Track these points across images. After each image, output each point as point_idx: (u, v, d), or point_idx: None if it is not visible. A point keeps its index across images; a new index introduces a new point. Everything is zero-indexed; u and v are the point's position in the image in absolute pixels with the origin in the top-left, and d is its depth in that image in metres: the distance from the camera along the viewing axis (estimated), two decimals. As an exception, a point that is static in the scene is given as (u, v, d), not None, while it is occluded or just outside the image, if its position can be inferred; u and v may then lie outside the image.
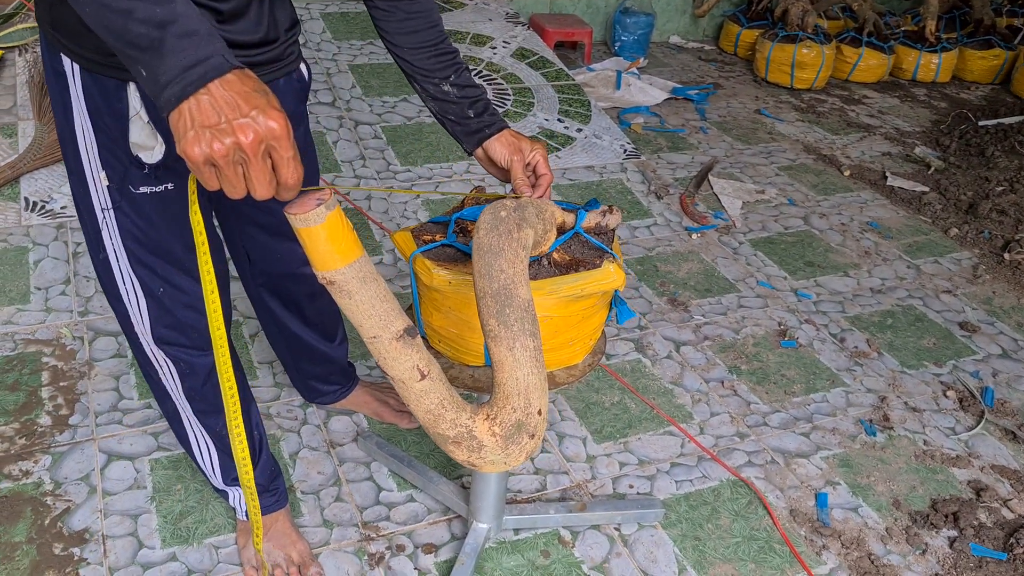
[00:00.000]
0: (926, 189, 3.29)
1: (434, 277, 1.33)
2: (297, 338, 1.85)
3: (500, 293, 1.11)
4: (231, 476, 1.68)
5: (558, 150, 3.24)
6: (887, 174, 3.38)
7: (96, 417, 1.96)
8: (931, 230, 3.06)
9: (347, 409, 2.05)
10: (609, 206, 1.51)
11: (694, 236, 2.86)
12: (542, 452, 1.99)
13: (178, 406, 1.59)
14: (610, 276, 1.35)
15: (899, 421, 2.19)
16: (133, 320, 1.46)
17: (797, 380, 2.29)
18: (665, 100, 3.89)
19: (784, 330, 2.47)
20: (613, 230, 1.51)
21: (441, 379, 1.11)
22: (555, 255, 1.39)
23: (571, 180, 3.08)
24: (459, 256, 1.40)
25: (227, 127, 0.85)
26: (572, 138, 3.32)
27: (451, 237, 1.42)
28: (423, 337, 1.50)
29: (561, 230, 1.44)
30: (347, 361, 1.99)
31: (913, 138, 3.82)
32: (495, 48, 3.78)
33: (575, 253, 1.42)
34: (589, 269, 1.36)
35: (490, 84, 3.53)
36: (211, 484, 1.71)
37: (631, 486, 1.94)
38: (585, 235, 1.45)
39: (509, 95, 3.49)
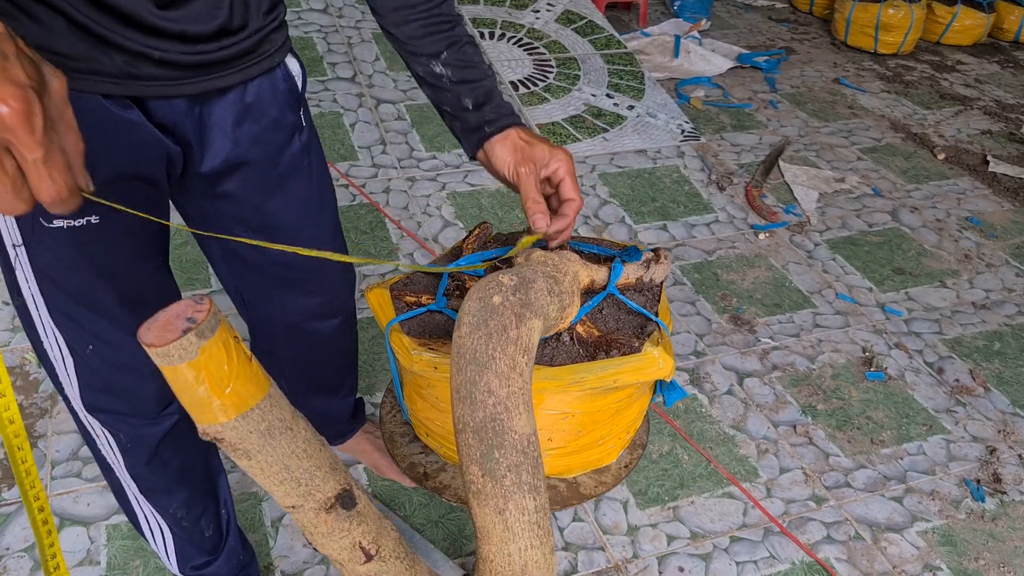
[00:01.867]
0: (1036, 176, 2.82)
1: (414, 361, 0.99)
2: (295, 384, 1.53)
3: (486, 428, 0.76)
4: (191, 564, 1.38)
5: (606, 131, 2.84)
6: (988, 157, 2.92)
7: (52, 468, 1.67)
8: (1043, 227, 2.61)
9: (343, 455, 1.73)
10: (655, 251, 1.14)
11: (761, 236, 2.46)
12: (573, 520, 1.65)
13: (122, 482, 1.29)
14: (653, 364, 0.99)
15: (1013, 481, 1.79)
16: (60, 380, 1.14)
17: (887, 425, 1.91)
18: (729, 69, 3.45)
19: (870, 357, 2.07)
20: (660, 284, 1.14)
21: (397, 556, 0.77)
22: (579, 328, 1.03)
23: (620, 167, 2.69)
24: (451, 327, 1.05)
25: None
26: (622, 117, 2.92)
27: (441, 301, 1.06)
28: (408, 423, 1.16)
29: (590, 291, 1.08)
30: (353, 402, 1.67)
31: (1018, 112, 3.33)
32: (538, 12, 3.38)
33: (607, 324, 1.06)
34: (625, 352, 1.00)
35: (531, 54, 3.13)
36: (168, 570, 1.42)
37: (681, 569, 1.59)
38: (621, 296, 1.08)
39: (552, 67, 3.09)
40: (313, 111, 2.78)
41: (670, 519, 1.67)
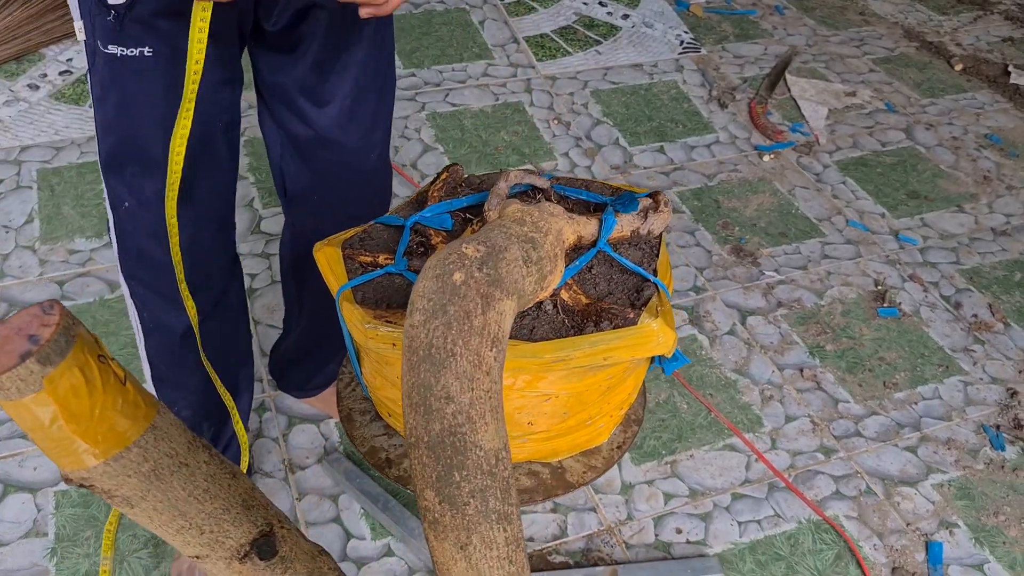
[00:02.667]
0: (1061, 88, 2.63)
1: (368, 336, 0.83)
2: (313, 328, 1.45)
3: (443, 443, 0.61)
4: None
5: (599, 44, 2.63)
6: (1010, 68, 2.71)
7: (-5, 428, 1.54)
8: (1068, 144, 2.43)
9: (318, 411, 1.60)
10: (653, 196, 0.97)
11: (766, 158, 2.28)
12: (563, 479, 1.53)
13: (141, 362, 1.26)
14: (651, 339, 0.84)
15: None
16: (111, 238, 1.14)
17: (900, 366, 1.77)
18: (732, -29, 3.20)
19: (883, 291, 1.92)
20: (659, 236, 0.98)
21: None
22: (564, 294, 0.87)
23: (614, 84, 2.49)
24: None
25: None
26: (616, 27, 2.69)
27: (401, 262, 0.90)
28: (368, 400, 1.01)
29: (577, 248, 0.91)
30: None
31: (1040, 17, 3.10)
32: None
33: (598, 287, 0.90)
34: (618, 325, 0.84)
35: (517, -43, 2.88)
36: None
37: (679, 530, 1.47)
38: (613, 254, 0.92)
39: (540, -29, 2.85)
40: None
41: (667, 475, 1.55)
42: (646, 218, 0.95)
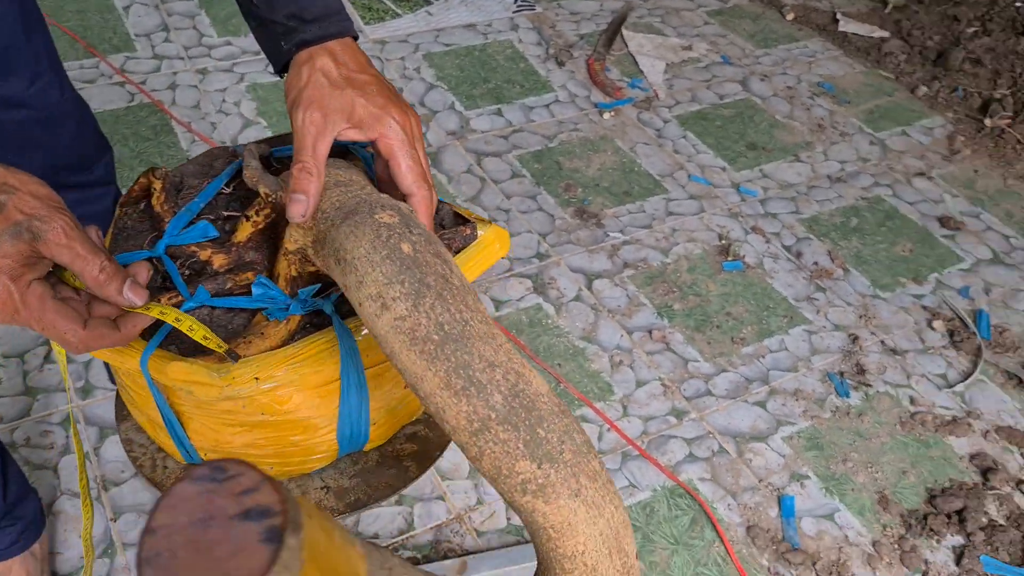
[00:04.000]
0: (885, 34, 2.68)
1: (236, 382, 0.70)
2: None
3: (515, 409, 0.59)
4: None
5: (429, 4, 2.50)
6: (837, 16, 2.76)
7: None
8: (895, 89, 2.48)
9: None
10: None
11: (607, 115, 2.23)
12: (407, 470, 1.43)
13: None
14: (493, 245, 0.78)
15: (877, 371, 1.68)
16: None
17: (747, 320, 1.75)
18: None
19: (727, 245, 1.90)
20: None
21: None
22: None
23: (447, 45, 2.38)
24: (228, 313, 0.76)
25: None
26: (448, -14, 2.58)
27: (201, 294, 0.75)
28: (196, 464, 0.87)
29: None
30: None
31: (863, -35, 3.17)
32: None
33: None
34: (460, 247, 0.78)
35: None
36: None
37: (532, 511, 1.40)
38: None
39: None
40: (76, -7, 2.32)
41: (517, 454, 1.47)
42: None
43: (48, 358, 1.52)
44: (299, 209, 0.68)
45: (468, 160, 2.02)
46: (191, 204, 0.80)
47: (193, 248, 0.78)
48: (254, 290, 0.74)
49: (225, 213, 0.81)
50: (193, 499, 0.34)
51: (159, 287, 0.76)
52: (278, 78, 2.13)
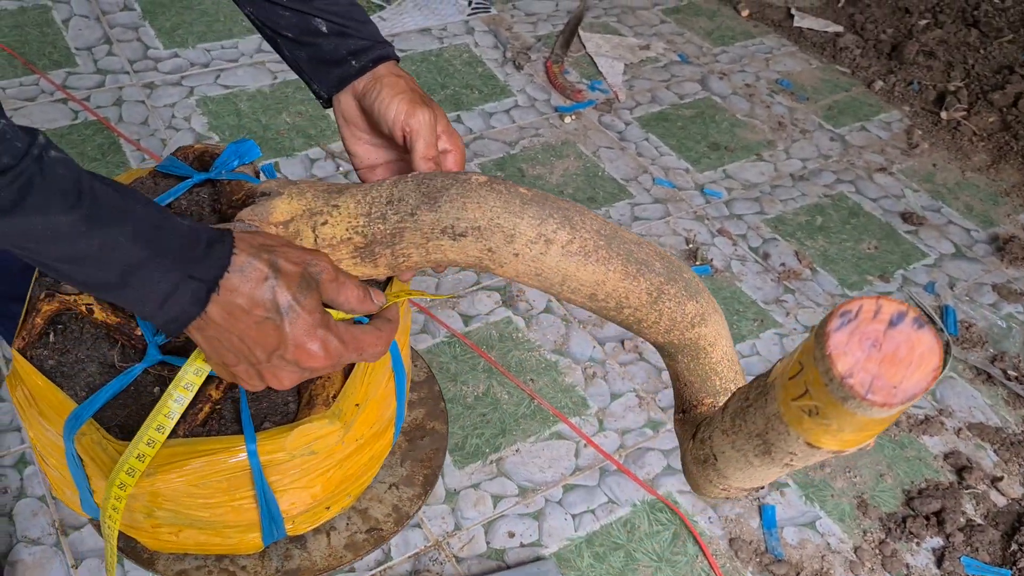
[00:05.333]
0: (840, 28, 2.69)
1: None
2: None
3: (663, 263, 0.71)
4: None
5: (382, 8, 2.45)
6: (792, 11, 2.76)
7: None
8: (852, 84, 2.49)
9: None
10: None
11: (567, 119, 2.20)
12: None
13: None
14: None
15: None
16: None
17: (717, 326, 1.73)
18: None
19: (694, 249, 1.89)
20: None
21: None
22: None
23: (402, 51, 2.33)
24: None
25: (252, 372, 0.63)
26: (400, -10, 2.52)
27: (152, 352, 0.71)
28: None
29: None
30: None
31: (814, -41, 3.18)
32: None
33: None
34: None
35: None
36: None
37: (511, 534, 1.37)
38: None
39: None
40: (12, 5, 2.23)
41: (494, 475, 1.44)
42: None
43: (-2, 395, 1.45)
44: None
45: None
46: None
47: (184, 336, 0.74)
48: None
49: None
50: (851, 339, 0.47)
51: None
52: (226, 89, 2.08)
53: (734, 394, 0.64)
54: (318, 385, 0.70)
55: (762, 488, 0.78)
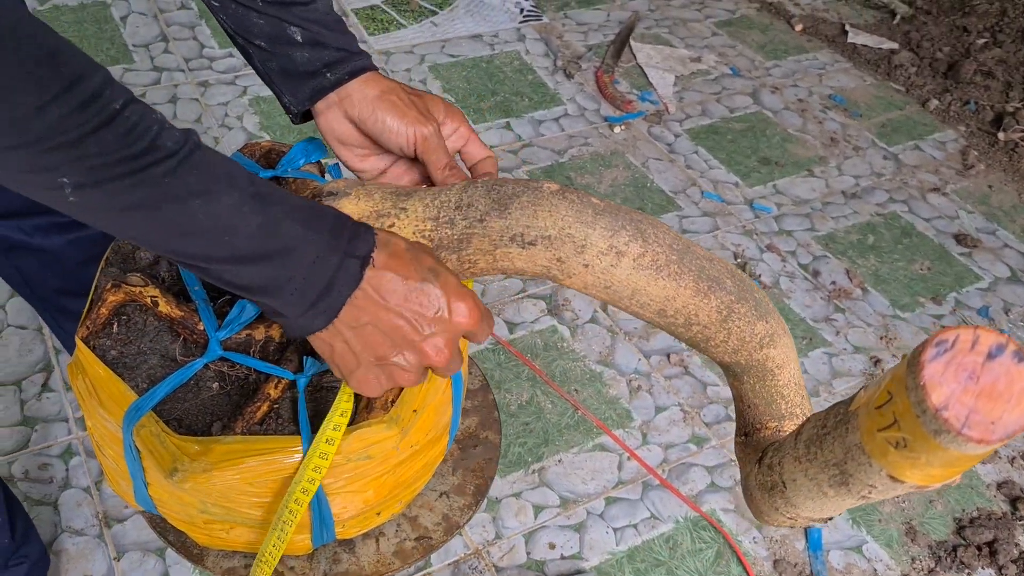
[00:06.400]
0: (895, 46, 2.65)
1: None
2: None
3: (734, 282, 0.68)
4: None
5: (434, 14, 2.46)
6: (846, 27, 2.72)
7: None
8: (906, 102, 2.45)
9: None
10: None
11: (617, 129, 2.19)
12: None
13: None
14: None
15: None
16: None
17: (765, 343, 1.71)
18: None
19: (743, 264, 1.86)
20: None
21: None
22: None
23: (453, 57, 2.33)
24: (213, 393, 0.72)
25: (409, 357, 0.61)
26: (452, -4, 2.53)
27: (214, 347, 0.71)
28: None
29: None
30: None
31: (870, -25, 3.14)
32: None
33: None
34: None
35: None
36: None
37: (552, 545, 1.35)
38: None
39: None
40: (73, 1, 2.27)
41: (535, 484, 1.43)
42: None
43: (47, 385, 1.47)
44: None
45: (477, 176, 1.98)
46: (198, 292, 0.76)
47: (245, 333, 0.73)
48: None
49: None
50: (947, 370, 0.45)
51: (249, 382, 0.73)
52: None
53: (808, 420, 0.62)
54: None
55: (831, 519, 0.76)
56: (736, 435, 0.76)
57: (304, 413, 0.70)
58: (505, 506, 1.39)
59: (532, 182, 0.67)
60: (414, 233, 0.66)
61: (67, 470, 1.37)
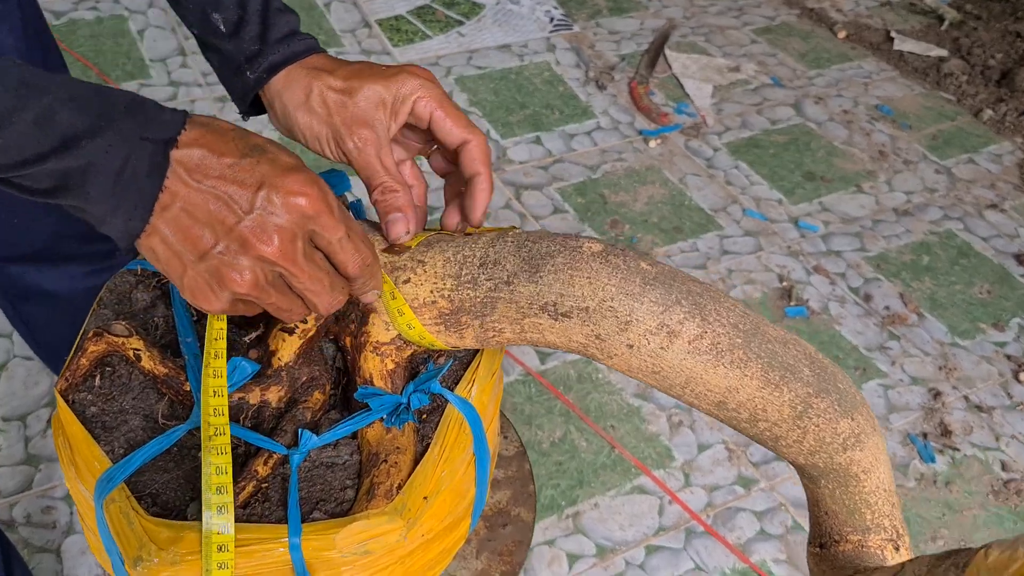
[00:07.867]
0: (944, 53, 2.52)
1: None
2: None
3: (814, 371, 0.57)
4: None
5: (461, 24, 2.37)
6: (892, 34, 2.60)
7: None
8: (957, 112, 2.32)
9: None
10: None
11: (652, 143, 2.08)
12: (448, 551, 1.28)
13: None
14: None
15: (963, 431, 1.52)
16: None
17: (815, 374, 1.60)
18: (600, -59, 2.98)
19: (788, 288, 1.75)
20: None
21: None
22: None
23: (480, 68, 2.24)
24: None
25: (232, 246, 0.50)
26: (479, 5, 2.44)
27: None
28: None
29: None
30: None
31: (914, -21, 3.01)
32: None
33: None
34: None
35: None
36: None
37: (588, 600, 1.25)
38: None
39: (392, -55, 2.56)
40: (89, 15, 2.20)
41: (570, 531, 1.32)
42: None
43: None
44: (401, 228, 0.62)
45: (506, 194, 1.88)
46: (189, 345, 0.67)
47: (237, 396, 0.64)
48: (370, 404, 0.62)
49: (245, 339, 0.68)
50: None
51: (238, 454, 0.63)
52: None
53: (915, 560, 0.51)
54: (382, 471, 0.59)
55: None
56: (810, 544, 0.65)
57: (295, 497, 0.61)
58: (537, 555, 1.29)
59: (571, 239, 0.56)
60: (431, 292, 0.56)
61: (71, 514, 1.29)
